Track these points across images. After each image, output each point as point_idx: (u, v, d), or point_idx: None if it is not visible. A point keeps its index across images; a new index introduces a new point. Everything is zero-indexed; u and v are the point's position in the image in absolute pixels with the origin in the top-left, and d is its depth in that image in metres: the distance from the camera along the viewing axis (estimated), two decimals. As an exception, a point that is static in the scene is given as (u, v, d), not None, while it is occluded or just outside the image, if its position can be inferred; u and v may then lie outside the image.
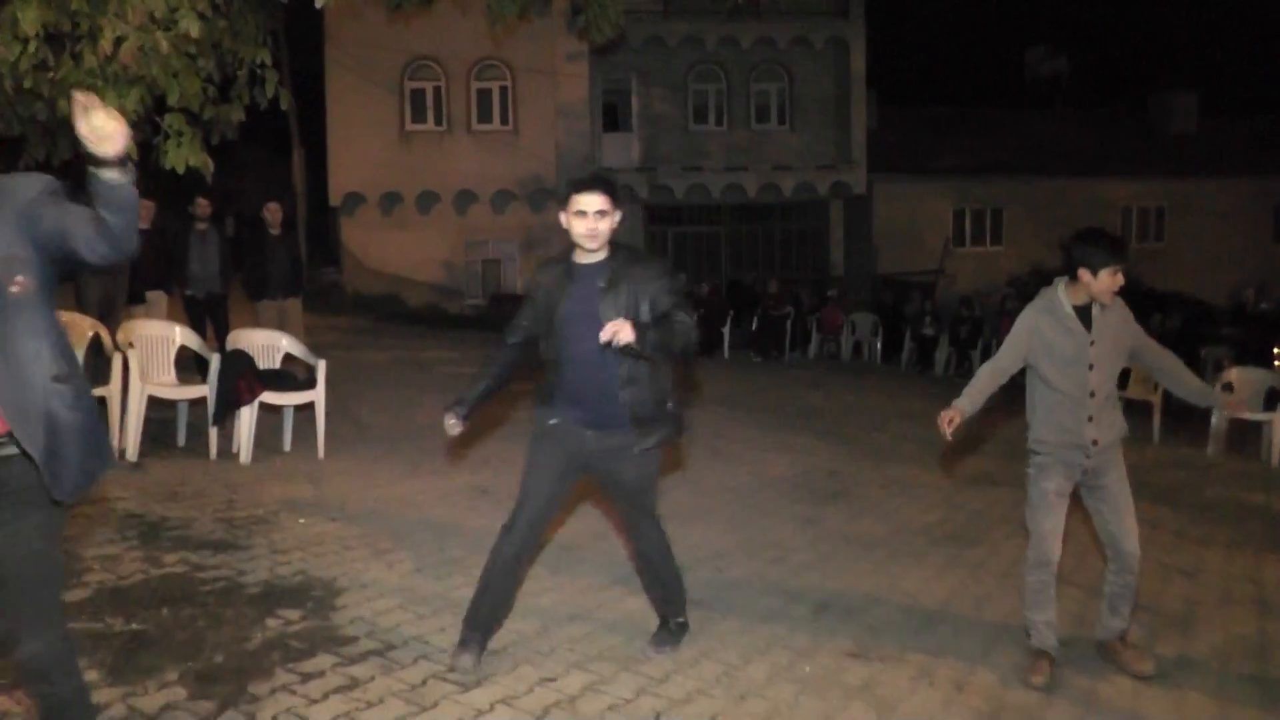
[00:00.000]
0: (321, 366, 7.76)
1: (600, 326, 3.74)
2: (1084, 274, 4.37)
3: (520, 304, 4.33)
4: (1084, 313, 4.47)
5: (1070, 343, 4.47)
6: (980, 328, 17.94)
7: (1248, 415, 10.76)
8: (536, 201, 24.70)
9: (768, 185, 26.24)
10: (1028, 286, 23.84)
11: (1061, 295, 4.51)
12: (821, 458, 9.28)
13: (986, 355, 17.15)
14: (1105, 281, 4.36)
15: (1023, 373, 4.68)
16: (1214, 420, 10.93)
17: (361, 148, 23.68)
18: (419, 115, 24.34)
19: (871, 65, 26.60)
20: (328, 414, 7.90)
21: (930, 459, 9.48)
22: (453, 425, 4.15)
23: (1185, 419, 11.48)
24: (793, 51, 26.14)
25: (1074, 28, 35.97)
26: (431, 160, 24.06)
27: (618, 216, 4.02)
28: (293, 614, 4.59)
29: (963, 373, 17.28)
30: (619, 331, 3.65)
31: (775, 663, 4.52)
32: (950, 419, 4.54)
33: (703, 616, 4.96)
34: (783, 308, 18.84)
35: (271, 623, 4.47)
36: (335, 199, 24.25)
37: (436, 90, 24.31)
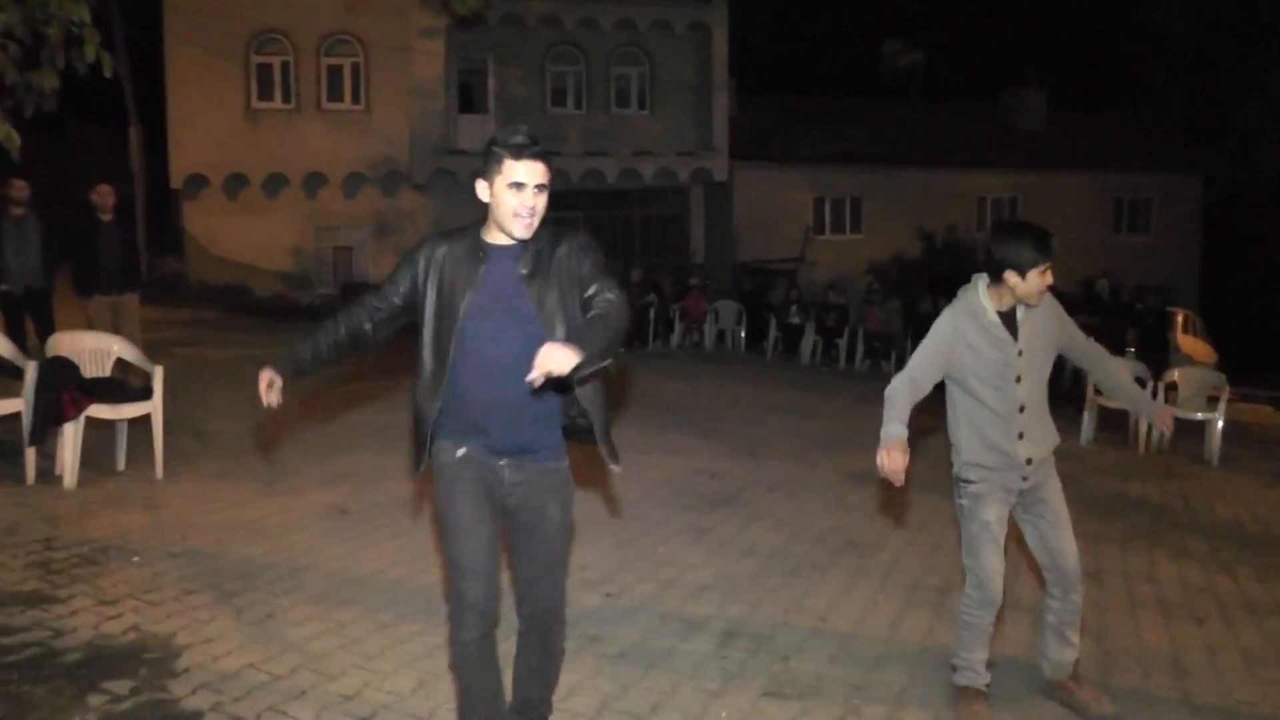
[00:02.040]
0: (158, 374, 6.94)
1: (520, 324, 3.13)
2: (1010, 276, 3.86)
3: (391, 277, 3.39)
4: (1009, 318, 3.98)
5: (997, 354, 3.97)
6: (847, 316, 17.86)
7: (1183, 415, 10.74)
8: (389, 185, 23.79)
9: (628, 171, 25.81)
10: (888, 274, 24.09)
11: (983, 300, 3.98)
12: (703, 458, 8.86)
13: (852, 343, 17.16)
14: (1035, 282, 3.86)
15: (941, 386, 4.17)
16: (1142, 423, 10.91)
17: (204, 126, 22.35)
18: (266, 92, 23.18)
19: (733, 53, 26.42)
20: (167, 425, 7.09)
21: (811, 455, 9.18)
22: (269, 389, 3.34)
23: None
24: (653, 35, 25.73)
25: (929, 22, 36.50)
26: (280, 140, 22.90)
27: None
28: (121, 686, 3.87)
29: (828, 361, 17.22)
30: (551, 364, 2.79)
31: (687, 709, 4.06)
32: (895, 460, 3.80)
33: (599, 655, 4.47)
34: (645, 296, 18.44)
35: (94, 700, 3.75)
36: (176, 181, 22.86)
37: (285, 65, 23.18)
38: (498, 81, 25.33)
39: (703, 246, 27.24)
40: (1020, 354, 3.98)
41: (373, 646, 4.41)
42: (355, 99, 23.65)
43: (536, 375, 2.81)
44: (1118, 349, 13.30)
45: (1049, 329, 4.07)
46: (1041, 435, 4.12)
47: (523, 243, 3.21)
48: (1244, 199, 32.55)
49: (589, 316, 3.10)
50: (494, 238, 3.25)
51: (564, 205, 26.25)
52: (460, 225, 3.37)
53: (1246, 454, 10.83)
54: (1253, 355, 23.97)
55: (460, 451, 3.26)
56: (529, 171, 3.13)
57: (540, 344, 2.87)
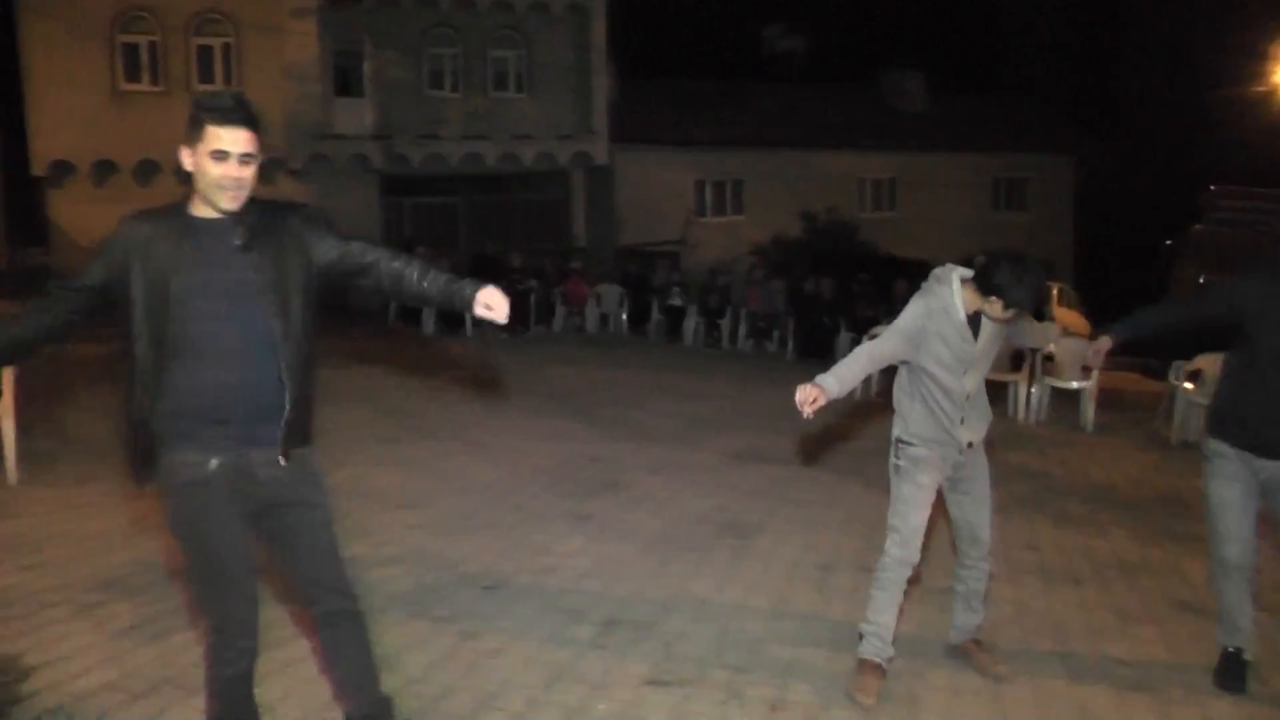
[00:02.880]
0: (7, 373, 6.54)
1: (245, 299, 2.88)
2: (994, 301, 4.08)
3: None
4: (973, 320, 4.22)
5: (957, 350, 4.20)
6: (729, 297, 17.91)
7: (1061, 384, 11.28)
8: (265, 171, 22.87)
9: (507, 155, 25.52)
10: (770, 255, 24.25)
11: (957, 299, 4.17)
12: (583, 442, 8.80)
13: (735, 324, 17.23)
14: (1007, 314, 4.13)
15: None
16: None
17: (68, 110, 21.41)
18: (133, 73, 22.31)
19: (612, 36, 26.26)
20: (26, 427, 6.77)
21: (693, 436, 9.19)
22: None
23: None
24: (531, 17, 25.44)
25: (809, 6, 36.77)
26: (150, 124, 21.79)
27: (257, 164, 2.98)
28: (-41, 712, 3.65)
29: (711, 343, 17.27)
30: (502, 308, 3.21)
31: (565, 704, 3.99)
32: (813, 398, 3.94)
33: (476, 651, 4.38)
34: (526, 281, 18.26)
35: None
36: (39, 168, 21.90)
37: (152, 46, 22.33)
38: (374, 64, 24.72)
39: (585, 230, 27.09)
40: (976, 355, 4.25)
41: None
42: (228, 81, 22.84)
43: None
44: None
45: (1001, 332, 4.33)
46: (980, 421, 4.39)
47: (235, 215, 2.97)
48: (1113, 177, 33.63)
49: (444, 276, 3.19)
50: (200, 211, 2.99)
51: (443, 190, 25.93)
52: (153, 207, 3.11)
53: (1119, 420, 11.19)
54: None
55: (213, 464, 2.95)
56: (233, 139, 2.90)
57: (271, 319, 2.84)
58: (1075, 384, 11.22)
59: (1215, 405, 4.59)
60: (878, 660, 4.23)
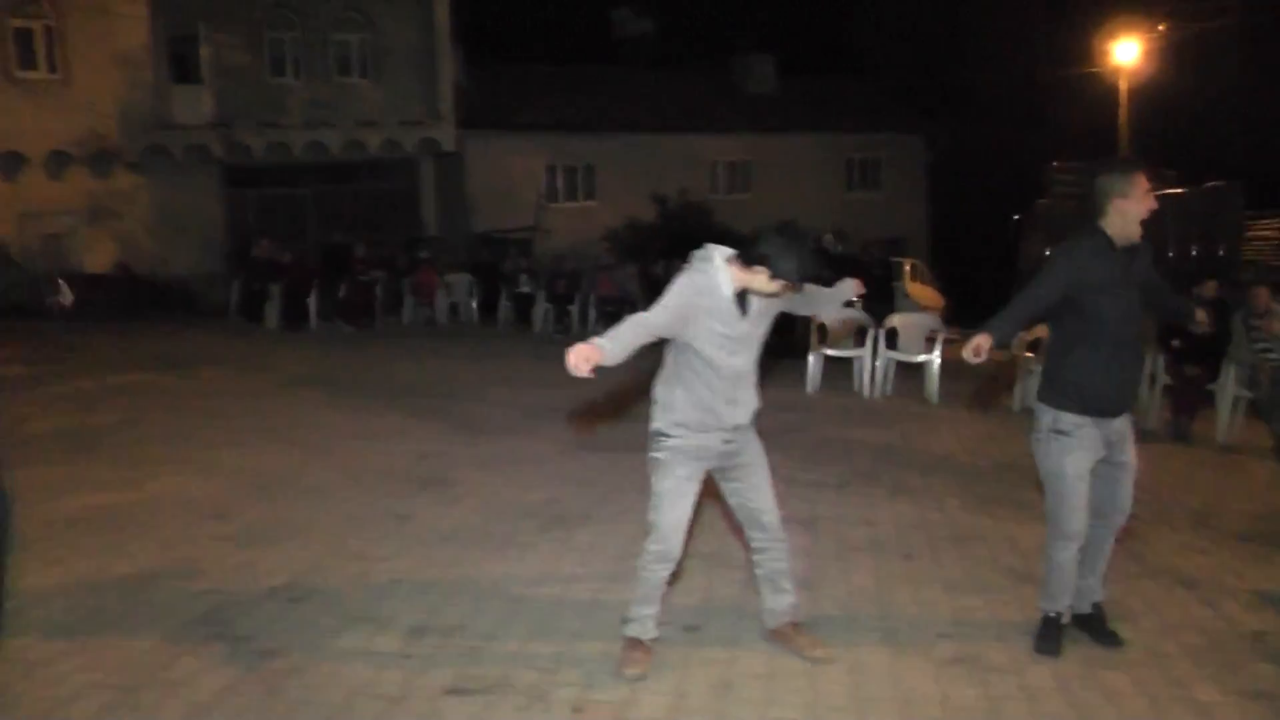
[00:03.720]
0: None
1: None
2: (760, 274, 3.93)
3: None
4: (741, 297, 4.06)
5: (726, 328, 4.03)
6: (578, 283, 17.71)
7: (904, 357, 11.38)
8: (100, 165, 22.10)
9: (353, 142, 24.85)
10: (623, 239, 24.12)
11: (721, 277, 4.00)
12: (417, 439, 8.48)
13: (585, 310, 17.04)
14: (775, 287, 3.97)
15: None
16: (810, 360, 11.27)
17: None
18: (-55, 57, 20.93)
19: (459, 19, 25.78)
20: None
21: (529, 427, 8.95)
22: None
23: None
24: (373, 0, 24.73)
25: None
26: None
27: None
28: None
29: (560, 329, 17.06)
30: None
31: (358, 722, 3.72)
32: (586, 357, 3.74)
33: (274, 671, 4.08)
34: (372, 272, 17.77)
35: None
36: None
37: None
38: (212, 49, 23.78)
39: (436, 219, 26.56)
40: (746, 330, 4.09)
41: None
42: (51, 67, 21.80)
43: None
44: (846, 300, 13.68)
45: (772, 309, 4.18)
46: (749, 402, 4.23)
47: None
48: (963, 155, 34.49)
49: None
50: None
51: (289, 181, 25.14)
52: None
53: (964, 390, 11.33)
54: (976, 297, 25.40)
55: None
56: None
57: None
58: (920, 357, 11.34)
59: (1053, 376, 4.52)
60: (642, 637, 4.20)
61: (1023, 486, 6.88)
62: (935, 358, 11.11)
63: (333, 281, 17.41)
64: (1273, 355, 9.02)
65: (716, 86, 31.86)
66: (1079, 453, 4.35)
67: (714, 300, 3.99)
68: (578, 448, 8.11)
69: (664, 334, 4.04)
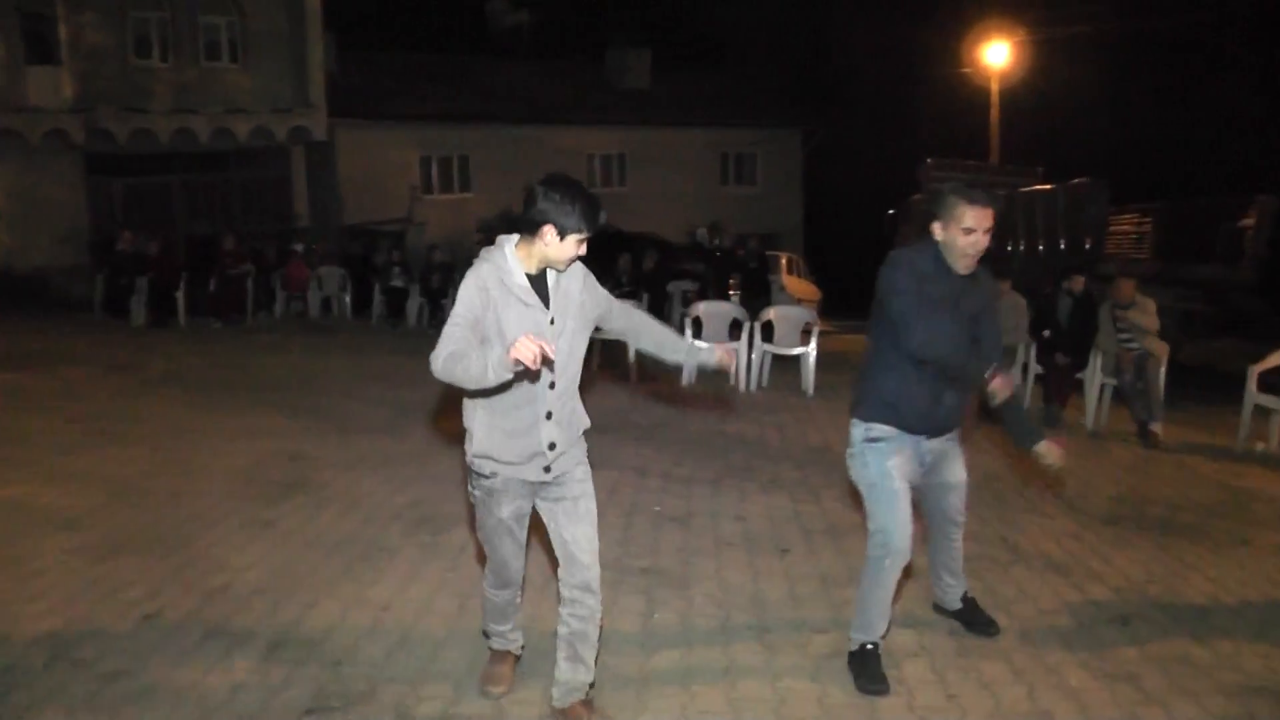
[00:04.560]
0: None
1: None
2: (548, 233, 3.41)
3: None
4: (539, 283, 3.54)
5: (526, 323, 3.45)
6: (452, 275, 17.40)
7: (780, 350, 11.39)
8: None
9: (222, 130, 23.96)
10: (498, 232, 23.83)
11: (510, 260, 3.50)
12: (284, 439, 8.19)
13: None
14: (570, 249, 3.47)
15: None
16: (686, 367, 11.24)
17: None
18: None
19: (330, 5, 25.10)
20: None
21: (401, 425, 8.74)
22: None
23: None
24: (243, -20, 23.95)
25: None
26: None
27: None
28: None
29: (435, 324, 16.78)
30: None
31: (207, 750, 3.53)
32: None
33: (121, 695, 3.86)
34: (241, 265, 17.21)
35: None
36: None
37: None
38: (70, 28, 22.49)
39: (308, 210, 25.89)
40: (552, 323, 3.53)
41: None
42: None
43: None
44: (722, 293, 13.78)
45: (584, 300, 3.65)
46: (570, 418, 3.68)
47: None
48: (838, 150, 35.00)
49: None
50: None
51: (155, 169, 24.19)
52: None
53: (839, 381, 11.42)
54: (853, 289, 25.88)
55: None
56: None
57: None
58: (795, 350, 11.42)
59: (868, 394, 4.22)
60: (506, 650, 4.02)
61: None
62: (811, 350, 11.22)
63: (201, 275, 16.80)
64: (1134, 345, 9.35)
65: (592, 80, 31.77)
66: (897, 458, 4.13)
67: (506, 290, 3.47)
68: (449, 445, 7.93)
69: (465, 339, 3.45)
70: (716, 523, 6.28)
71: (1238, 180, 22.48)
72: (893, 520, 4.08)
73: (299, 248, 19.48)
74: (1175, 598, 5.27)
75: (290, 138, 24.90)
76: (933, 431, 4.21)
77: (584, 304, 3.65)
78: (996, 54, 27.97)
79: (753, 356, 11.29)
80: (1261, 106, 29.39)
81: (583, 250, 3.51)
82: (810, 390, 10.97)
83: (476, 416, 3.62)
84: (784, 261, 22.37)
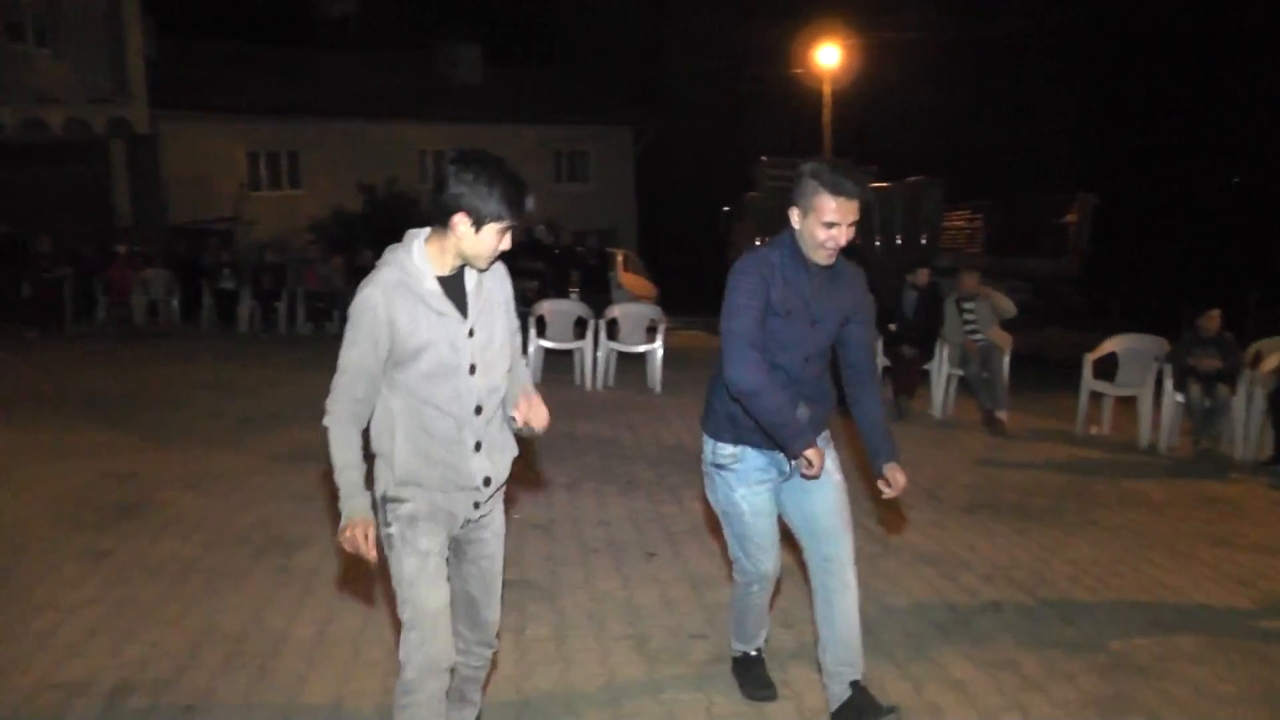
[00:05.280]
0: None
1: None
2: (462, 223, 2.86)
3: None
4: (455, 287, 2.98)
5: (440, 334, 2.94)
6: (284, 276, 16.80)
7: (625, 348, 11.42)
8: None
9: (32, 121, 22.43)
10: (330, 230, 23.22)
11: (418, 260, 2.92)
12: (114, 457, 7.66)
13: (292, 306, 16.24)
14: (490, 241, 2.90)
15: None
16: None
17: None
18: None
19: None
20: None
21: (238, 438, 8.31)
22: None
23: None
24: (49, -46, 22.41)
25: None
26: None
27: None
28: None
29: (268, 326, 16.20)
30: None
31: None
32: None
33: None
34: (58, 269, 16.20)
35: None
36: None
37: None
38: None
39: (130, 208, 24.59)
40: (471, 334, 2.99)
41: None
42: None
43: None
44: (562, 291, 13.71)
45: (507, 304, 3.14)
46: (503, 446, 3.17)
47: None
48: (672, 148, 35.29)
49: None
50: None
51: (-48, 165, 22.51)
52: None
53: (685, 378, 11.50)
54: (689, 285, 26.20)
55: None
56: None
57: None
58: (641, 347, 11.40)
59: (709, 402, 3.79)
60: None
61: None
62: (658, 347, 11.21)
63: (13, 280, 15.71)
64: (979, 336, 9.66)
65: (423, 74, 31.24)
66: (743, 489, 3.71)
67: (413, 297, 2.91)
68: (295, 459, 7.55)
69: (372, 375, 2.94)
70: (580, 528, 6.18)
71: (1061, 179, 23.73)
72: (743, 552, 3.80)
73: (121, 249, 18.45)
74: (1040, 581, 5.48)
75: (109, 130, 23.52)
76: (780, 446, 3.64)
77: (508, 309, 3.15)
78: (828, 56, 28.65)
79: (598, 355, 11.22)
80: (1083, 110, 31.12)
81: (506, 243, 2.95)
82: (658, 388, 11.00)
83: (395, 440, 3.00)
84: (620, 259, 22.45)
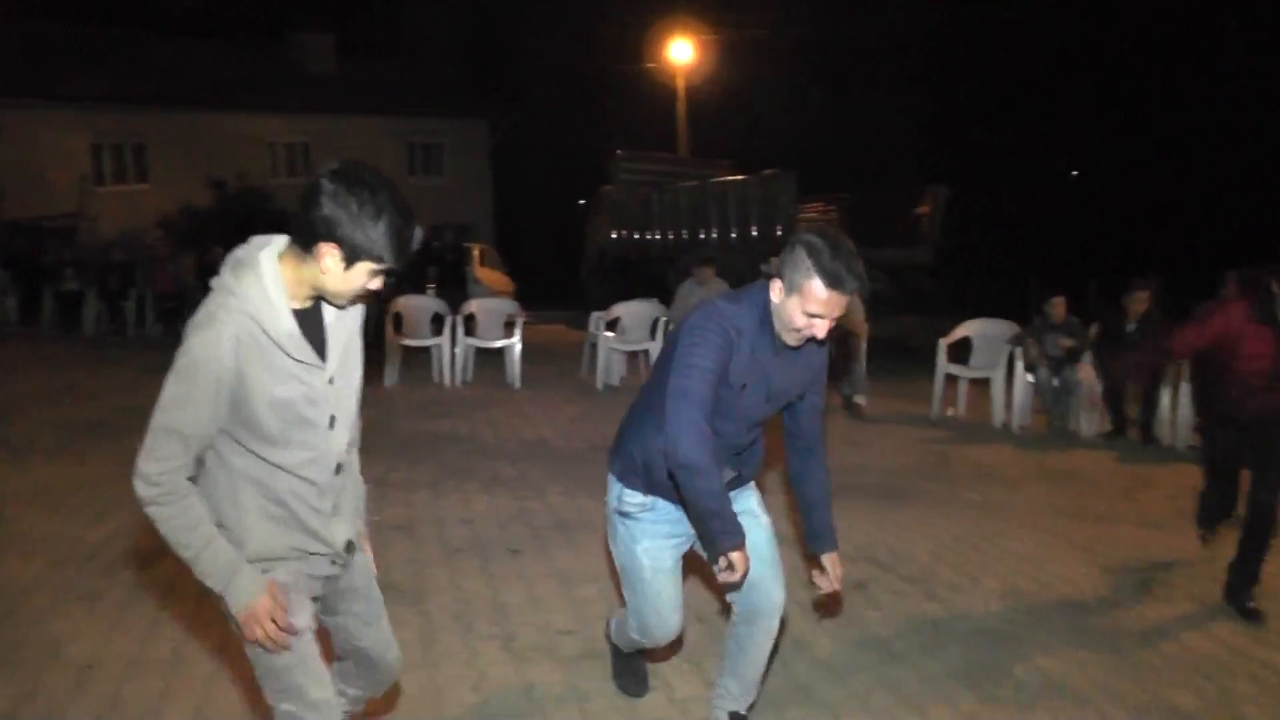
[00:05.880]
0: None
1: None
2: (329, 255, 2.32)
3: None
4: (311, 324, 2.48)
5: (296, 386, 2.45)
6: (133, 276, 16.17)
7: (483, 344, 11.35)
8: None
9: None
10: (179, 226, 22.46)
11: (272, 292, 2.38)
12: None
13: (141, 307, 15.67)
14: (359, 281, 2.38)
15: None
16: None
17: None
18: None
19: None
20: None
21: (80, 448, 7.88)
22: None
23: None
24: None
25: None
26: None
27: None
28: None
29: (116, 328, 15.59)
30: None
31: None
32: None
33: None
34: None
35: None
36: None
37: None
38: None
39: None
40: (331, 382, 2.53)
41: None
42: None
43: None
44: (418, 287, 13.55)
45: (361, 330, 2.67)
46: (353, 504, 2.80)
47: None
48: (528, 141, 35.19)
49: None
50: None
51: None
52: None
53: (545, 373, 11.49)
54: (547, 280, 26.29)
55: None
56: None
57: None
58: (499, 342, 11.35)
59: (627, 441, 3.37)
60: None
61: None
62: (516, 343, 11.18)
63: None
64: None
65: (273, 64, 30.53)
66: (646, 541, 3.33)
67: (263, 341, 2.38)
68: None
69: (203, 434, 2.43)
70: (442, 528, 6.09)
71: (913, 173, 24.50)
72: (635, 617, 3.48)
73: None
74: (903, 559, 5.68)
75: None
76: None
77: (361, 335, 2.67)
78: (680, 51, 28.96)
79: (456, 351, 11.13)
80: (934, 106, 32.19)
81: (376, 285, 2.41)
82: (517, 383, 11.00)
83: (239, 507, 2.53)
84: (476, 253, 22.36)
